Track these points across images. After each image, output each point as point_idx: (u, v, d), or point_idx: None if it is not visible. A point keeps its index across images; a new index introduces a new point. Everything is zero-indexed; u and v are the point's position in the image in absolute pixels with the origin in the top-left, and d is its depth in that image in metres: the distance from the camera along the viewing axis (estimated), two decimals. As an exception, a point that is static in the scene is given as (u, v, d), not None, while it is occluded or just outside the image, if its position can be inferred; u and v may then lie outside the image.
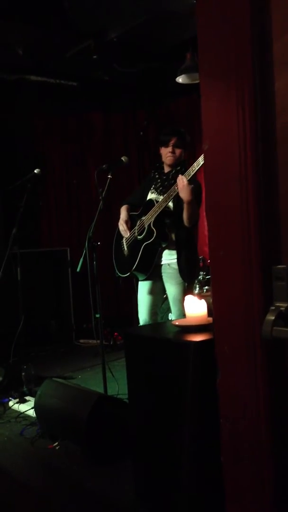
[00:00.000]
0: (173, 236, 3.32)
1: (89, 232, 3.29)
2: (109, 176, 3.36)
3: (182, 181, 3.07)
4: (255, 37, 1.25)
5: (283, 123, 1.25)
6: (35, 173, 4.02)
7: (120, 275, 3.54)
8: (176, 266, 3.30)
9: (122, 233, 3.54)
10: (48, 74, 5.51)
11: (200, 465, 1.87)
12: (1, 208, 5.22)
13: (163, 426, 2.03)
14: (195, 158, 6.69)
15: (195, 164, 3.07)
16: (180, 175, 3.12)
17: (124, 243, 3.55)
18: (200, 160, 3.02)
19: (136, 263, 3.34)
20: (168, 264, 3.35)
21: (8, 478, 2.66)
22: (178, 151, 3.36)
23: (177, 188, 3.11)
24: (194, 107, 5.90)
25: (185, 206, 3.14)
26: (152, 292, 3.46)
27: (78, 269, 3.29)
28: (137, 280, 3.54)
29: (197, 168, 3.06)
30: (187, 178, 3.07)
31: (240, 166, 1.30)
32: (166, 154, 3.37)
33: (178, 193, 3.14)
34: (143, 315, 3.49)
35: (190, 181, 3.16)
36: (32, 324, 4.61)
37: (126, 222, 3.52)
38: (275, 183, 1.28)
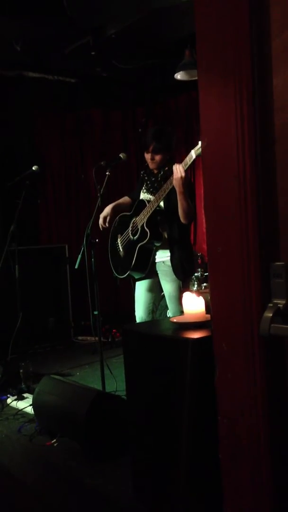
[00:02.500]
0: (165, 234, 3.28)
1: (87, 229, 3.29)
2: (108, 173, 3.35)
3: (179, 171, 2.97)
4: (254, 34, 1.25)
5: (281, 120, 1.24)
6: (33, 170, 4.02)
7: (118, 276, 3.52)
8: (170, 264, 3.28)
9: (100, 225, 3.48)
10: (47, 71, 5.51)
11: (198, 462, 1.88)
12: (0, 205, 5.21)
13: (161, 423, 2.03)
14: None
15: (183, 163, 3.00)
16: (177, 164, 3.01)
17: (119, 244, 3.54)
18: (188, 160, 2.95)
19: (133, 264, 3.31)
20: (163, 262, 3.33)
21: (6, 475, 2.66)
22: (157, 157, 3.25)
23: (172, 179, 3.03)
24: (193, 104, 5.89)
25: (178, 198, 3.07)
26: (148, 289, 3.45)
27: (76, 266, 3.29)
28: (134, 279, 3.53)
29: (189, 163, 2.97)
30: (183, 166, 2.97)
31: (238, 163, 1.30)
32: (148, 159, 3.30)
33: (168, 192, 3.10)
34: (139, 313, 3.48)
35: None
36: (30, 321, 4.60)
37: (104, 217, 3.45)
38: (273, 180, 1.28)
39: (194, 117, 5.89)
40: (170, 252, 3.27)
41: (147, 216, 3.23)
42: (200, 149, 2.90)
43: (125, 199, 3.63)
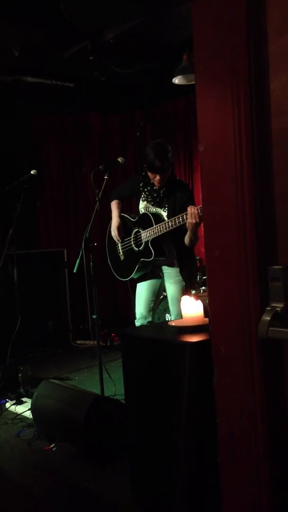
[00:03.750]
0: (175, 252, 3.41)
1: (86, 233, 3.29)
2: (106, 177, 3.36)
3: (194, 217, 3.04)
4: (251, 39, 1.26)
5: (278, 124, 1.25)
6: (32, 174, 4.02)
7: (120, 278, 3.64)
8: (176, 266, 3.41)
9: (114, 239, 3.61)
10: (45, 75, 5.51)
11: (197, 465, 1.87)
12: (-2, 209, 5.21)
13: (160, 426, 2.03)
14: (191, 158, 6.67)
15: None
16: (192, 207, 3.05)
17: (120, 248, 3.61)
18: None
19: (135, 271, 3.48)
20: (167, 265, 3.45)
21: (5, 479, 2.65)
22: (166, 175, 3.33)
23: (186, 218, 3.10)
24: (191, 108, 5.91)
25: (188, 233, 3.20)
26: (149, 289, 3.55)
27: (75, 270, 3.30)
28: (130, 282, 3.65)
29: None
30: (198, 212, 3.02)
31: (236, 167, 1.31)
32: (154, 179, 3.34)
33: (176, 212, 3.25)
34: (139, 309, 3.56)
35: (180, 185, 3.26)
36: (29, 325, 4.59)
37: (118, 229, 3.59)
38: (270, 184, 1.28)
39: (193, 121, 5.90)
40: (180, 267, 3.41)
41: (153, 236, 3.32)
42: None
43: (118, 203, 3.69)
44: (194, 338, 1.92)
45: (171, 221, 3.22)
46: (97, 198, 3.33)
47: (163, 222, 3.28)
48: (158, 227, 3.30)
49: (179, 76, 4.73)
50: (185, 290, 3.46)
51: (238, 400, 1.41)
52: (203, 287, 5.45)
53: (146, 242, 3.37)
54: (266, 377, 1.34)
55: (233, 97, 1.29)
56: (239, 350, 1.38)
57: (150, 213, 3.40)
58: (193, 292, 5.27)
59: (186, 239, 3.26)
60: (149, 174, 3.36)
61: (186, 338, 1.95)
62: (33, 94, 5.60)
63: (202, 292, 5.34)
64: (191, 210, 3.05)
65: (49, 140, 6.21)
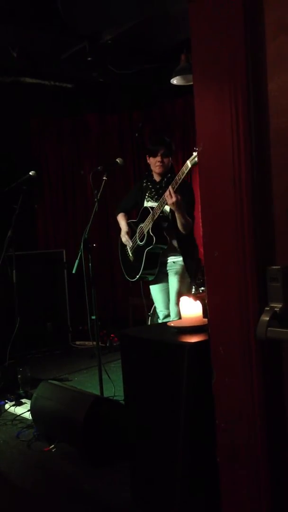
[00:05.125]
0: (174, 241, 3.49)
1: (84, 233, 3.30)
2: (104, 178, 3.38)
3: (169, 198, 3.21)
4: (248, 40, 1.26)
5: (276, 124, 1.25)
6: (30, 175, 4.02)
7: (130, 280, 3.72)
8: (182, 263, 3.50)
9: (125, 243, 3.72)
10: (43, 76, 5.52)
11: (196, 466, 1.87)
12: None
13: (159, 427, 2.03)
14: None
15: (180, 173, 3.18)
16: (167, 191, 3.23)
17: (129, 250, 3.72)
18: (184, 169, 3.13)
19: (142, 267, 3.52)
20: (174, 262, 3.54)
21: (4, 480, 2.65)
22: (166, 160, 3.49)
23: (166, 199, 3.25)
24: (189, 108, 5.91)
25: (176, 215, 3.33)
26: (162, 290, 3.66)
27: (73, 271, 3.30)
28: (143, 283, 3.73)
29: (182, 177, 3.17)
30: (174, 187, 3.19)
31: (234, 168, 1.31)
32: (155, 163, 3.49)
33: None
34: (160, 308, 3.69)
35: (181, 189, 3.29)
36: (28, 326, 4.59)
37: (127, 233, 3.69)
38: (268, 184, 1.28)
39: (191, 122, 5.89)
40: (182, 255, 3.49)
41: (152, 222, 3.42)
42: (195, 159, 3.06)
43: (124, 215, 3.81)
44: (193, 339, 1.92)
45: (159, 203, 3.37)
46: (95, 199, 3.34)
47: (156, 207, 3.41)
48: (154, 211, 3.42)
49: (177, 77, 4.73)
50: (190, 285, 3.55)
51: (237, 400, 1.41)
52: (202, 288, 5.46)
53: (148, 232, 3.46)
54: (265, 377, 1.34)
55: (231, 97, 1.29)
56: (238, 350, 1.38)
57: (149, 207, 3.50)
58: (192, 292, 5.28)
59: (178, 224, 3.35)
60: (151, 161, 3.51)
61: (185, 338, 1.96)
62: (32, 95, 5.61)
63: (201, 292, 5.35)
64: (167, 191, 3.22)
65: (48, 141, 6.21)
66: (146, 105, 6.49)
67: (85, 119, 6.43)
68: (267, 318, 1.21)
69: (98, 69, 5.26)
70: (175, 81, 4.80)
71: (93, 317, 3.38)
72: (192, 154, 3.06)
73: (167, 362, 1.98)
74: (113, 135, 6.55)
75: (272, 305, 1.24)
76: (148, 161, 3.57)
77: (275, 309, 1.23)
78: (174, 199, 3.20)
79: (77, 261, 3.28)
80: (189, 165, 3.09)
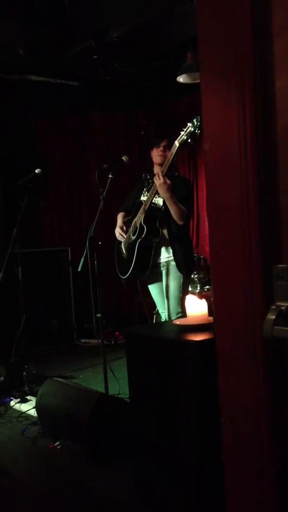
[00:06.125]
0: (165, 232, 3.42)
1: (90, 231, 3.30)
2: (110, 176, 3.37)
3: (157, 180, 3.21)
4: (256, 36, 1.25)
5: (283, 121, 1.24)
6: (36, 173, 4.03)
7: (122, 277, 3.62)
8: (173, 262, 3.41)
9: (119, 238, 3.67)
10: (49, 74, 5.52)
11: (201, 464, 1.87)
12: (3, 208, 5.22)
13: (164, 425, 2.03)
14: (195, 157, 6.66)
15: (169, 154, 3.23)
16: (157, 174, 3.25)
17: (123, 247, 3.66)
18: (173, 150, 3.17)
19: (133, 261, 3.41)
20: (166, 262, 3.47)
21: (10, 477, 2.66)
22: (168, 152, 3.42)
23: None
24: (195, 107, 5.89)
25: (167, 202, 3.29)
26: (159, 290, 3.60)
27: (79, 269, 3.30)
28: (141, 283, 3.62)
29: (171, 158, 3.21)
30: (163, 172, 3.20)
31: (241, 165, 1.30)
32: (157, 154, 3.49)
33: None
34: (162, 311, 3.65)
35: (177, 182, 3.30)
36: (33, 324, 4.60)
37: (122, 228, 3.65)
38: (275, 182, 1.28)
39: (196, 120, 5.88)
40: (172, 248, 3.39)
41: (144, 213, 3.39)
42: (182, 138, 3.10)
43: (123, 215, 3.78)
44: (198, 337, 1.92)
45: (149, 193, 3.37)
46: (101, 197, 3.34)
47: (147, 197, 3.39)
48: (145, 203, 3.40)
49: (183, 75, 4.73)
50: (184, 284, 3.46)
51: (242, 399, 1.40)
52: (207, 286, 5.45)
53: (140, 224, 3.42)
54: (270, 376, 1.33)
55: (238, 94, 1.28)
56: (243, 349, 1.38)
57: (142, 200, 3.49)
58: (198, 290, 5.26)
59: (172, 213, 3.30)
60: (153, 152, 3.52)
61: (190, 337, 1.95)
62: (37, 93, 5.61)
63: (206, 290, 5.34)
64: (156, 175, 3.24)
65: (53, 139, 6.21)
66: (151, 103, 6.48)
67: (90, 117, 6.43)
68: (273, 317, 1.21)
69: (104, 67, 5.25)
70: (181, 79, 4.80)
71: (98, 315, 3.38)
72: (179, 134, 3.11)
73: (172, 360, 1.98)
74: (119, 133, 6.55)
75: (278, 303, 1.24)
76: (151, 155, 3.58)
77: (281, 307, 1.22)
78: (161, 180, 3.19)
79: (82, 259, 3.28)
80: (177, 145, 3.13)
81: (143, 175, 3.66)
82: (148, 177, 3.60)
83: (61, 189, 6.31)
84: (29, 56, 4.81)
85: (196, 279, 5.52)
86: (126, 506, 2.24)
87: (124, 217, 3.74)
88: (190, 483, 1.90)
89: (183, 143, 3.12)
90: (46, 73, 5.48)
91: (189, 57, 4.68)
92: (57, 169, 6.25)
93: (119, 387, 3.46)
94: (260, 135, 1.27)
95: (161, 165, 3.44)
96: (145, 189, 3.58)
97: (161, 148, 3.46)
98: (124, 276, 3.56)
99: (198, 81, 1.42)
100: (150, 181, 3.52)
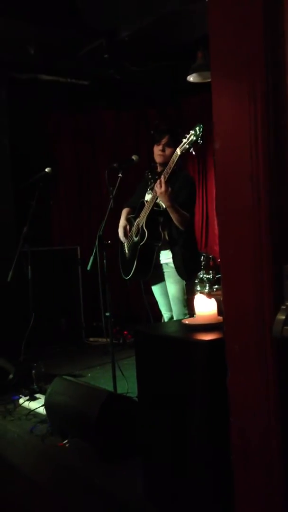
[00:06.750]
0: (166, 235, 3.29)
1: (99, 230, 3.30)
2: (120, 175, 3.36)
3: (158, 187, 3.06)
4: (268, 35, 1.25)
5: (295, 121, 1.24)
6: (46, 172, 4.04)
7: (124, 277, 3.55)
8: (173, 265, 3.29)
9: (121, 238, 3.58)
10: (60, 73, 5.54)
11: (210, 464, 1.87)
12: (13, 206, 5.25)
13: (173, 424, 2.03)
14: (205, 157, 6.63)
15: (170, 162, 3.08)
16: (158, 181, 3.10)
17: (125, 246, 3.58)
18: (174, 158, 3.04)
19: (134, 265, 3.34)
20: (166, 264, 3.36)
21: (18, 474, 2.68)
22: (168, 150, 3.27)
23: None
24: (205, 106, 5.89)
25: (168, 210, 3.14)
26: (163, 292, 3.49)
27: (88, 268, 3.30)
28: (144, 282, 3.57)
29: (172, 166, 3.06)
30: (165, 177, 3.06)
31: (252, 164, 1.30)
32: (157, 152, 3.33)
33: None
34: (165, 312, 3.56)
35: (180, 181, 3.18)
36: (42, 322, 4.62)
37: (124, 228, 3.55)
38: (287, 182, 1.27)
39: (207, 119, 5.86)
40: (172, 252, 3.27)
41: (146, 216, 3.27)
42: (184, 146, 2.98)
43: (127, 210, 3.67)
44: (208, 337, 1.91)
45: (152, 196, 3.22)
46: (111, 196, 3.33)
47: (149, 200, 3.26)
48: (148, 204, 3.28)
49: (194, 74, 4.73)
50: (188, 285, 3.33)
51: (251, 399, 1.40)
52: (217, 286, 5.44)
53: (141, 227, 3.30)
54: (280, 376, 1.33)
55: (249, 93, 1.28)
56: (253, 349, 1.38)
57: (146, 200, 3.36)
58: (207, 290, 5.25)
59: (174, 220, 3.16)
60: (154, 149, 3.35)
61: (199, 336, 1.95)
62: (48, 91, 5.63)
63: (216, 290, 5.33)
64: (156, 183, 3.08)
65: (63, 138, 6.23)
66: (162, 102, 6.48)
67: (101, 116, 6.44)
68: (283, 317, 1.21)
69: (114, 67, 5.26)
70: (191, 78, 4.79)
71: (107, 314, 3.38)
72: (181, 142, 2.99)
73: (181, 359, 1.98)
74: (129, 132, 6.56)
75: (288, 303, 1.23)
76: (153, 150, 3.43)
77: (292, 307, 1.22)
78: (162, 189, 3.03)
79: (91, 258, 3.28)
80: (179, 153, 3.00)
81: (146, 173, 3.53)
82: (149, 176, 3.47)
83: (71, 188, 6.32)
84: (40, 56, 4.82)
85: (205, 278, 5.52)
86: (134, 505, 2.24)
87: (128, 213, 3.62)
88: (199, 483, 1.90)
89: (184, 152, 3.00)
90: (57, 73, 5.50)
91: (199, 56, 4.68)
92: (67, 168, 6.27)
93: (128, 386, 3.46)
94: (272, 134, 1.26)
95: (162, 164, 3.33)
96: (149, 189, 3.46)
97: (160, 147, 3.30)
98: (127, 277, 3.49)
99: (209, 80, 1.42)
100: (152, 180, 3.39)
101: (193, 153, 3.03)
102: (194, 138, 2.94)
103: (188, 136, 2.98)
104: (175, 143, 3.21)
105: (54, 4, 4.11)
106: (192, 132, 2.96)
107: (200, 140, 2.93)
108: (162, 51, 5.08)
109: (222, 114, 1.39)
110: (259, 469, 1.40)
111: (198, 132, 2.93)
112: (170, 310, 3.50)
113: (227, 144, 1.39)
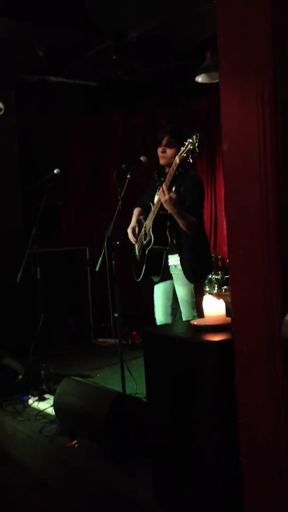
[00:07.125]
0: (174, 239, 3.24)
1: (108, 231, 3.30)
2: (128, 176, 3.36)
3: (162, 195, 3.00)
4: (276, 36, 1.25)
5: (303, 121, 1.24)
6: (54, 173, 4.05)
7: (136, 279, 3.53)
8: (181, 268, 3.24)
9: (131, 240, 3.54)
10: (69, 75, 5.55)
11: (218, 465, 1.87)
12: (22, 207, 5.27)
13: (182, 425, 2.03)
14: (214, 157, 6.62)
15: (170, 170, 3.04)
16: (160, 188, 3.04)
17: (136, 249, 3.55)
18: (174, 166, 2.99)
19: (144, 269, 3.32)
20: (175, 266, 3.31)
21: (28, 475, 2.69)
22: (170, 151, 3.21)
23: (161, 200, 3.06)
24: (213, 107, 5.88)
25: (174, 217, 3.08)
26: (165, 293, 3.44)
27: (97, 268, 3.31)
28: (153, 282, 3.54)
29: (173, 174, 3.03)
30: (166, 186, 3.01)
31: (260, 165, 1.30)
32: (159, 154, 3.28)
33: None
34: (159, 317, 3.49)
35: (185, 179, 3.13)
36: (51, 323, 4.64)
37: (133, 230, 3.50)
38: (295, 182, 1.27)
39: (215, 120, 5.86)
40: (179, 255, 3.23)
41: (152, 220, 3.25)
42: (183, 154, 2.94)
43: (139, 210, 3.62)
44: (217, 338, 1.91)
45: (157, 200, 3.17)
46: (119, 197, 3.33)
47: (154, 205, 3.21)
48: (153, 208, 3.24)
49: (202, 75, 4.72)
50: (197, 288, 3.28)
51: (260, 399, 1.40)
52: (225, 286, 5.43)
53: (148, 231, 3.27)
54: (289, 377, 1.33)
55: (257, 93, 1.28)
56: (261, 349, 1.37)
57: (152, 203, 3.33)
58: (215, 291, 5.24)
59: (180, 225, 3.10)
60: (157, 150, 3.30)
61: (208, 337, 1.95)
62: (57, 93, 5.65)
63: (224, 291, 5.32)
64: (160, 190, 3.01)
65: (72, 139, 6.25)
66: (170, 103, 6.48)
67: (109, 117, 6.45)
68: (292, 317, 1.20)
69: (123, 68, 5.26)
70: (200, 79, 4.79)
71: (116, 315, 3.39)
72: (180, 150, 2.94)
73: (190, 360, 1.98)
74: (137, 134, 6.56)
75: (297, 304, 1.23)
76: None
77: (301, 308, 1.21)
78: (166, 197, 2.96)
79: (100, 259, 3.28)
80: (177, 161, 2.96)
81: (154, 174, 3.47)
82: (156, 177, 3.41)
83: (79, 189, 6.34)
84: (49, 57, 4.84)
85: (213, 279, 5.50)
86: (143, 505, 2.24)
87: (139, 213, 3.57)
88: (208, 483, 1.90)
89: (183, 161, 2.95)
90: (65, 74, 5.52)
91: (208, 57, 4.67)
92: (76, 169, 6.29)
93: (136, 386, 3.46)
94: (280, 134, 1.26)
95: (165, 166, 3.28)
96: (157, 189, 3.36)
97: (161, 148, 3.24)
98: (138, 279, 3.47)
99: (217, 81, 1.42)
100: (159, 182, 3.32)
101: (191, 161, 2.98)
102: (191, 147, 2.89)
103: (186, 144, 2.92)
104: (177, 143, 3.14)
105: (62, 6, 4.13)
106: (190, 140, 2.90)
107: (197, 149, 2.88)
108: (171, 52, 5.08)
109: (230, 114, 1.39)
110: (267, 469, 1.40)
111: (195, 141, 2.87)
112: (166, 315, 3.44)
113: (235, 145, 1.39)
